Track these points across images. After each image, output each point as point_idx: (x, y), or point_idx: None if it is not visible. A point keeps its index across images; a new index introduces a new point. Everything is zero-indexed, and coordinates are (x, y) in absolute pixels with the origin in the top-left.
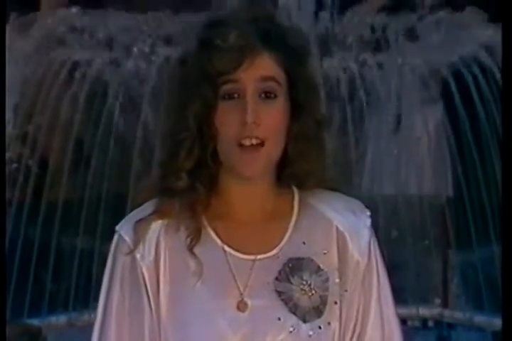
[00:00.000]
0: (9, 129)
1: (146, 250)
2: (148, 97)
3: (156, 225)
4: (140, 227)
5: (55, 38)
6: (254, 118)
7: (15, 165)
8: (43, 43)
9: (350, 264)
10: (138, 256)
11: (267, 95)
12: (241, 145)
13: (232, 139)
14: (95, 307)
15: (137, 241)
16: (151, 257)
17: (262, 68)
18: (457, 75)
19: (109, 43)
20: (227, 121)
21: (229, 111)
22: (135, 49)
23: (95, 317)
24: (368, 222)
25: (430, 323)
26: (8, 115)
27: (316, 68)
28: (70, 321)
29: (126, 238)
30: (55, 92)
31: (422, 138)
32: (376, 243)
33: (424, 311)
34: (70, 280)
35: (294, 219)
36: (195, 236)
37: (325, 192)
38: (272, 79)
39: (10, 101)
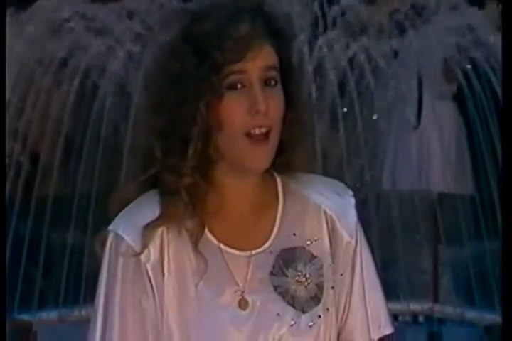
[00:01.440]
0: None
1: (151, 252)
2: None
3: (162, 227)
4: (149, 232)
5: (46, 32)
6: (265, 107)
7: (6, 161)
8: (33, 41)
9: (341, 246)
10: (142, 257)
11: (269, 83)
12: (249, 136)
13: (240, 128)
14: (86, 303)
15: (145, 245)
16: (156, 258)
17: (266, 58)
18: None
19: (100, 33)
20: (235, 111)
21: (237, 100)
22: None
23: (86, 312)
24: (353, 201)
25: (421, 318)
26: None
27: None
28: (61, 317)
29: (128, 239)
30: (45, 88)
31: (418, 135)
32: (359, 223)
33: (415, 306)
34: (60, 276)
35: (280, 208)
36: (199, 234)
37: (306, 175)
38: (274, 67)
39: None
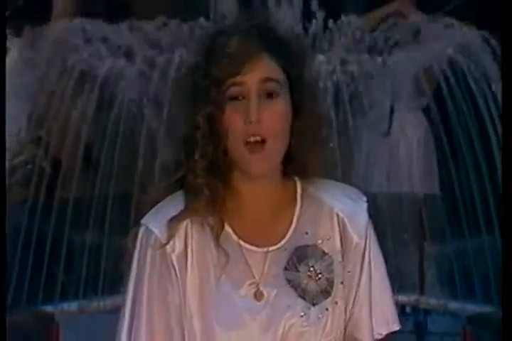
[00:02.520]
0: (23, 134)
1: (176, 243)
2: (151, 102)
3: (185, 221)
4: (174, 225)
5: (65, 48)
6: (257, 117)
7: (29, 166)
8: (54, 54)
9: (351, 247)
10: (168, 248)
11: (270, 95)
12: (247, 143)
13: (239, 137)
14: (103, 295)
15: (170, 237)
16: (181, 249)
17: (263, 70)
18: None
19: (114, 51)
20: (234, 121)
21: (235, 111)
22: (138, 57)
23: (104, 304)
24: (365, 206)
25: (408, 309)
26: (23, 121)
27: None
28: (81, 308)
29: (157, 232)
30: (66, 99)
31: (404, 142)
32: (372, 226)
33: (402, 298)
34: (80, 270)
35: (297, 209)
36: (219, 229)
37: (324, 181)
38: (273, 80)
39: (25, 109)
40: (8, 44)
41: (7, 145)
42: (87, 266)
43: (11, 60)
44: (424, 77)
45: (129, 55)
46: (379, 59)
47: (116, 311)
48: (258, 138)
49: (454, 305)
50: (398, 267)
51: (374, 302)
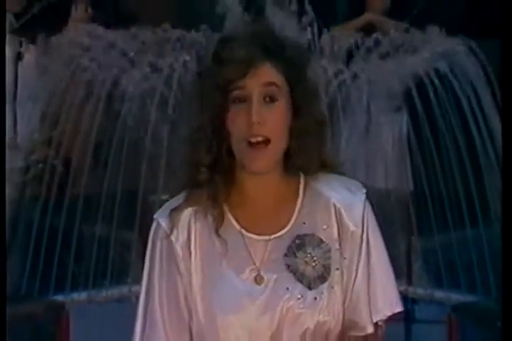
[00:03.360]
0: (36, 135)
1: (179, 233)
2: (156, 103)
3: (187, 212)
4: (174, 215)
5: (76, 54)
6: (258, 119)
7: (42, 165)
8: (66, 60)
9: (347, 235)
10: (173, 238)
11: (270, 98)
12: (249, 143)
13: (241, 137)
14: (112, 286)
15: (172, 226)
16: (184, 239)
17: (264, 76)
18: (419, 84)
19: (122, 56)
20: (236, 122)
21: (238, 113)
22: (143, 62)
23: (112, 293)
24: (363, 197)
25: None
26: (36, 123)
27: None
28: (90, 297)
29: (163, 224)
30: (76, 102)
31: (389, 141)
32: (372, 215)
33: None
34: (89, 262)
35: (299, 202)
36: (219, 221)
37: (326, 175)
38: (273, 84)
39: (38, 111)
40: (22, 50)
41: (21, 145)
42: (96, 258)
43: (25, 65)
44: (397, 82)
45: (134, 60)
46: (360, 66)
47: (124, 300)
48: (260, 139)
49: (439, 295)
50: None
51: (378, 285)
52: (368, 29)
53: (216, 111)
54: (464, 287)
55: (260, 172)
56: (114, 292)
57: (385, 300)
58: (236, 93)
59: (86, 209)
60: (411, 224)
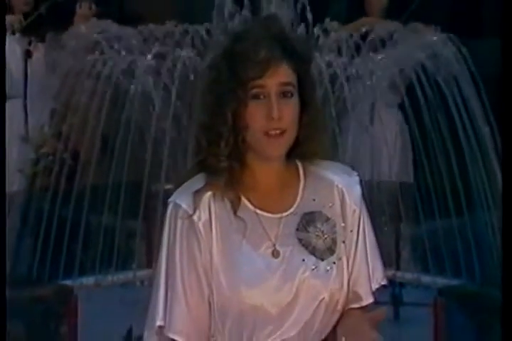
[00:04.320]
0: (46, 129)
1: (201, 213)
2: (160, 97)
3: (207, 195)
4: (197, 197)
5: (83, 51)
6: (278, 114)
7: (51, 158)
8: (73, 57)
9: (350, 212)
10: (195, 218)
11: (285, 95)
12: (266, 134)
13: (260, 130)
14: (117, 271)
15: (195, 207)
16: (205, 218)
17: (282, 75)
18: (419, 82)
19: (127, 52)
20: (256, 116)
21: (257, 108)
22: (148, 55)
23: (117, 278)
24: (358, 179)
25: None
26: (45, 118)
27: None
28: (97, 282)
29: (184, 205)
30: (84, 98)
31: (381, 137)
32: (363, 198)
33: None
34: (96, 249)
35: (302, 183)
36: (237, 203)
37: (321, 161)
38: (289, 83)
39: (47, 106)
40: (31, 48)
41: (32, 139)
42: (102, 245)
43: (34, 62)
44: (398, 78)
45: (140, 55)
46: (360, 61)
47: (128, 284)
48: (278, 131)
49: (426, 279)
50: (377, 246)
51: (372, 258)
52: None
53: (236, 106)
54: (449, 272)
55: (276, 156)
56: (120, 277)
57: (378, 270)
58: (256, 90)
59: (93, 199)
60: (399, 213)
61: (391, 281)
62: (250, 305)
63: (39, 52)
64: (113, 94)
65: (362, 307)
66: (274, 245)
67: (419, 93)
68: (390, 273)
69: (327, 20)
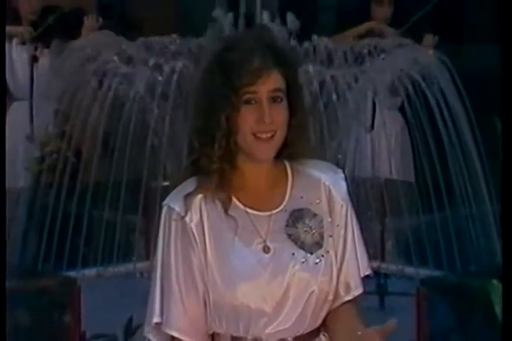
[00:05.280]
0: (50, 129)
1: (193, 215)
2: (158, 101)
3: (198, 198)
4: (188, 199)
5: (85, 58)
6: (270, 119)
7: (55, 156)
8: (76, 63)
9: (337, 208)
10: (187, 219)
11: (276, 100)
12: (257, 138)
13: (250, 133)
14: (118, 263)
15: (187, 210)
16: (197, 219)
17: (273, 82)
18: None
19: (129, 59)
20: (247, 120)
21: (249, 113)
22: (150, 63)
23: (118, 269)
24: (343, 176)
25: (371, 273)
26: (49, 118)
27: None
28: (99, 273)
29: (176, 208)
30: (86, 100)
31: (369, 137)
32: (348, 194)
33: None
34: (98, 242)
35: (290, 181)
36: (227, 203)
37: (307, 160)
38: (279, 89)
39: (52, 108)
40: (38, 54)
41: (37, 138)
42: (104, 238)
43: (40, 67)
44: (398, 83)
45: (139, 63)
46: (358, 70)
47: (129, 276)
48: (269, 135)
49: (409, 270)
50: (363, 239)
51: (360, 250)
52: (368, 35)
53: (230, 110)
54: (431, 263)
55: (265, 159)
56: (120, 269)
57: (363, 261)
58: (248, 96)
59: (95, 195)
60: (384, 208)
61: (377, 272)
62: (244, 300)
63: (45, 57)
64: (113, 98)
65: (352, 300)
66: (265, 241)
67: (413, 97)
68: (376, 264)
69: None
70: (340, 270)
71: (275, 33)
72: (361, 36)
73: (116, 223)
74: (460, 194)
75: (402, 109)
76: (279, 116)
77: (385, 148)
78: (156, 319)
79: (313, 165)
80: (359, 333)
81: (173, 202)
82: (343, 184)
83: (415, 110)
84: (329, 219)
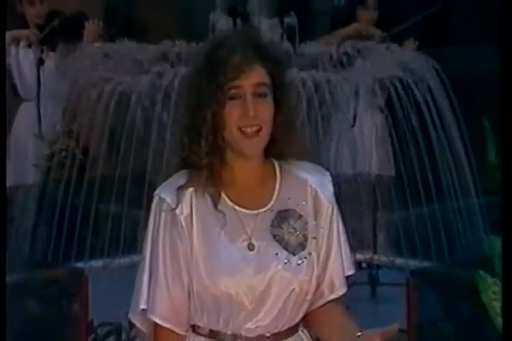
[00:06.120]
0: (58, 128)
1: (183, 208)
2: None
3: (189, 191)
4: (180, 192)
5: (92, 61)
6: (253, 113)
7: (64, 153)
8: (83, 65)
9: (323, 209)
10: (177, 211)
11: (260, 95)
12: (243, 132)
13: (236, 128)
14: (124, 254)
15: (178, 201)
16: (187, 212)
17: (256, 77)
18: (396, 87)
19: (134, 64)
20: (233, 115)
21: (234, 107)
22: (153, 68)
23: (124, 261)
24: (330, 178)
25: (364, 265)
26: (58, 117)
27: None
28: (105, 264)
29: (167, 199)
30: (92, 99)
31: (359, 135)
32: (334, 195)
33: (359, 256)
34: (105, 235)
35: (278, 181)
36: (217, 198)
37: (296, 161)
38: (263, 84)
39: (59, 107)
40: (44, 57)
41: (46, 136)
42: (110, 231)
43: (46, 69)
44: (378, 85)
45: (141, 66)
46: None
47: (134, 267)
48: (254, 129)
49: (400, 261)
50: (356, 232)
51: (344, 251)
52: (355, 37)
53: (215, 106)
54: (420, 255)
55: (252, 155)
56: (126, 260)
57: (347, 262)
58: (233, 92)
59: (101, 190)
60: (376, 202)
61: (369, 264)
62: (226, 293)
63: (50, 60)
64: (118, 99)
65: (336, 299)
66: (250, 239)
67: (395, 97)
68: (368, 256)
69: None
70: (324, 270)
71: (271, 35)
72: (349, 38)
73: (121, 216)
74: (448, 189)
75: (391, 107)
76: (263, 110)
77: (366, 144)
78: (142, 305)
79: (300, 166)
80: (358, 334)
81: (165, 193)
82: (330, 186)
83: (404, 108)
84: (314, 222)
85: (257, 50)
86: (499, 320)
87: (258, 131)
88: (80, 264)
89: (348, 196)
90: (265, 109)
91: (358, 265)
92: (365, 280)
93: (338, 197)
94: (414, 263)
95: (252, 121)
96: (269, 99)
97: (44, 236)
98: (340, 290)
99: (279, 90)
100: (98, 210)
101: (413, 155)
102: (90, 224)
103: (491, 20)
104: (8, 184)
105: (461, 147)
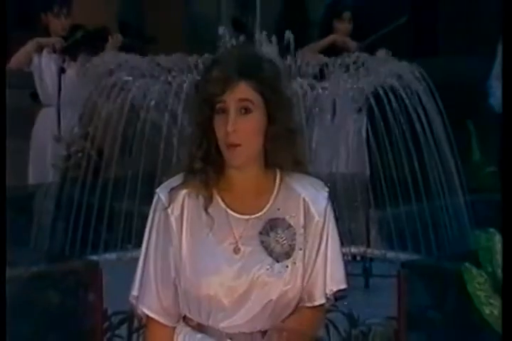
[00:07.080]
0: (76, 131)
1: (175, 208)
2: (170, 107)
3: (183, 192)
4: (173, 193)
5: (108, 70)
6: (233, 128)
7: (80, 155)
8: (99, 74)
9: (312, 223)
10: (169, 211)
11: (245, 110)
12: (227, 146)
13: (222, 141)
14: (135, 248)
15: (170, 201)
16: (178, 212)
17: (240, 93)
18: (376, 94)
19: (143, 75)
20: (219, 129)
21: (219, 121)
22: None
23: (137, 254)
24: (326, 194)
25: (358, 258)
26: (75, 121)
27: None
28: (119, 257)
29: (163, 198)
30: (106, 105)
31: (351, 136)
32: (331, 210)
33: (354, 250)
34: (118, 229)
35: (274, 192)
36: (208, 200)
37: (298, 174)
38: (247, 100)
39: (77, 112)
40: (65, 66)
41: (64, 138)
42: (123, 226)
43: (67, 78)
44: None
45: (152, 77)
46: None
47: None
48: (235, 144)
49: (391, 254)
50: (351, 227)
51: (331, 266)
52: (332, 49)
53: (204, 119)
54: (410, 248)
55: (237, 166)
56: (137, 253)
57: (335, 278)
58: (219, 106)
59: (115, 189)
60: (369, 199)
61: (362, 257)
62: (207, 293)
63: (71, 69)
64: (130, 105)
65: (314, 307)
66: (237, 243)
67: (384, 99)
68: (362, 249)
69: None
70: (308, 279)
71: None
72: (326, 49)
73: (133, 213)
74: (435, 187)
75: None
76: (245, 126)
77: (343, 145)
78: (134, 292)
79: (299, 179)
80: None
81: (162, 193)
82: (324, 202)
83: (395, 113)
84: (303, 234)
85: (243, 67)
86: (484, 309)
87: (237, 145)
88: (95, 257)
89: (343, 194)
90: (247, 125)
91: (352, 258)
92: (359, 272)
93: (333, 199)
94: (404, 256)
95: (232, 137)
96: (255, 114)
97: (62, 231)
98: (318, 301)
99: (270, 105)
100: (112, 207)
101: (403, 155)
102: (104, 220)
103: (473, 30)
104: (28, 182)
105: (447, 148)
